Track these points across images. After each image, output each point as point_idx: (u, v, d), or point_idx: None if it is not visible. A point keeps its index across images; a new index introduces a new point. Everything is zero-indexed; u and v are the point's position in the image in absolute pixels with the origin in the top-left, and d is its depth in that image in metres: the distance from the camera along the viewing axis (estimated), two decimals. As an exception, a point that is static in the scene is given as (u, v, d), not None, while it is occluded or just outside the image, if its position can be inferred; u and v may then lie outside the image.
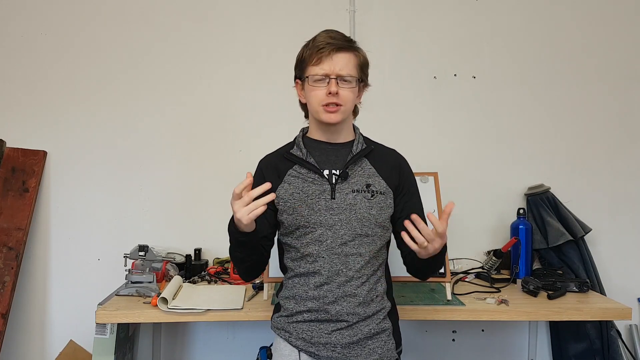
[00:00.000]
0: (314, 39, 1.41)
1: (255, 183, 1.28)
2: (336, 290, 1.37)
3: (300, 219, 1.39)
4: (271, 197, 1.24)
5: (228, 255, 2.25)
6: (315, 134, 1.48)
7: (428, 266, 1.40)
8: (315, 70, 1.38)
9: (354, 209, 1.38)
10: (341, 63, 1.37)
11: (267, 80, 2.45)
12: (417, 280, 1.90)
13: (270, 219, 1.45)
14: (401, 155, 1.54)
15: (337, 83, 1.36)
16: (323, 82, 1.37)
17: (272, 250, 1.50)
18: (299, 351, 1.41)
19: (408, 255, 1.43)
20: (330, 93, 1.36)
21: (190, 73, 2.46)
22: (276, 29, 2.46)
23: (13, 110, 2.42)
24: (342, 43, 1.38)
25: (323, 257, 1.38)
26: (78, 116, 2.43)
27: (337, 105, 1.38)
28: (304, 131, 1.53)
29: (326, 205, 1.39)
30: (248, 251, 1.38)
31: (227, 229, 1.33)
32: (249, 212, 1.22)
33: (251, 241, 1.33)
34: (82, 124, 2.43)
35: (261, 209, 1.23)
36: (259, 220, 1.31)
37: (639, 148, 2.50)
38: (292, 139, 1.53)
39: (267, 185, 1.24)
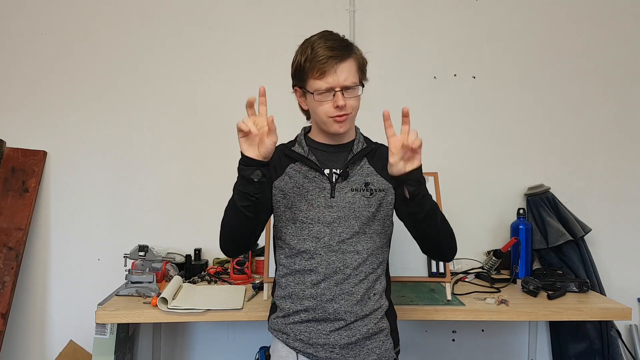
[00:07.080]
0: (312, 48, 1.35)
1: None
2: (334, 287, 1.36)
3: (299, 214, 1.39)
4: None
5: (228, 255, 2.26)
6: (318, 137, 1.47)
7: (429, 224, 1.31)
8: (318, 85, 1.35)
9: (352, 207, 1.38)
10: (345, 74, 1.34)
11: (267, 80, 2.39)
12: (417, 280, 1.93)
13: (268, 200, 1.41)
14: None
15: (343, 94, 1.34)
16: (328, 96, 1.35)
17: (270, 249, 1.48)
18: (296, 353, 1.40)
19: (412, 226, 1.36)
20: (337, 106, 1.34)
21: (191, 73, 2.46)
22: (276, 29, 2.46)
23: (13, 110, 2.42)
24: (342, 52, 1.34)
25: (320, 255, 1.37)
26: (78, 116, 2.43)
27: (345, 115, 1.36)
28: (306, 130, 1.52)
29: (325, 202, 1.39)
30: (246, 207, 1.28)
31: (228, 200, 1.31)
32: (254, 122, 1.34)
33: (258, 191, 1.28)
34: (82, 124, 2.43)
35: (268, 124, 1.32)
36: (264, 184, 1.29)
37: (638, 148, 2.50)
38: (292, 139, 1.53)
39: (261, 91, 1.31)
